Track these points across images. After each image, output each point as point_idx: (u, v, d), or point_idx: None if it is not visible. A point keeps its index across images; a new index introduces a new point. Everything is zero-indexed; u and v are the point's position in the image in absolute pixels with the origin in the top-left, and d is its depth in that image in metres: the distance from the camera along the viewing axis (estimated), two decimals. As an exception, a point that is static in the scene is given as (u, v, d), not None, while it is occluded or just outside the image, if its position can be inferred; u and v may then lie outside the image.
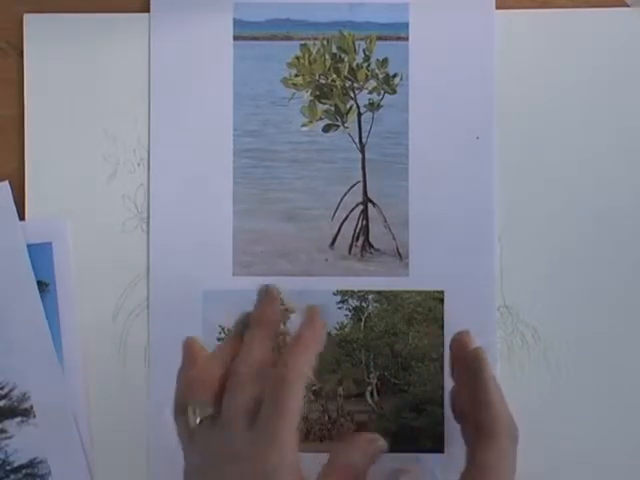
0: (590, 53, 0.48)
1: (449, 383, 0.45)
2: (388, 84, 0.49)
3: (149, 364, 0.48)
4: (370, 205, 0.48)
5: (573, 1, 0.49)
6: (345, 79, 0.49)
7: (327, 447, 0.46)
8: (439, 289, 0.48)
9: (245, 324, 0.41)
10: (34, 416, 0.47)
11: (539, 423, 0.47)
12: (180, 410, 0.38)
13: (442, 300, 0.48)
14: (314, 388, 0.48)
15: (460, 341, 0.43)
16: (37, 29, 0.49)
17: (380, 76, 0.49)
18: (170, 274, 0.48)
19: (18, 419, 0.47)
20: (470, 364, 0.41)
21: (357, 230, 0.48)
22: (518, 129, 0.48)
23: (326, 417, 0.48)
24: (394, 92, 0.49)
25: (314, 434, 0.48)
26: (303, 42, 0.49)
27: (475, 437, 0.40)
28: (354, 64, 0.49)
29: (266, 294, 0.41)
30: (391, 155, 0.48)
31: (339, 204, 0.48)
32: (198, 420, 0.38)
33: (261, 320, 0.40)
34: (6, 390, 0.47)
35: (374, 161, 0.48)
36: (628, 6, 0.48)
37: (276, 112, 0.49)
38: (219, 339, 0.48)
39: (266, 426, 0.36)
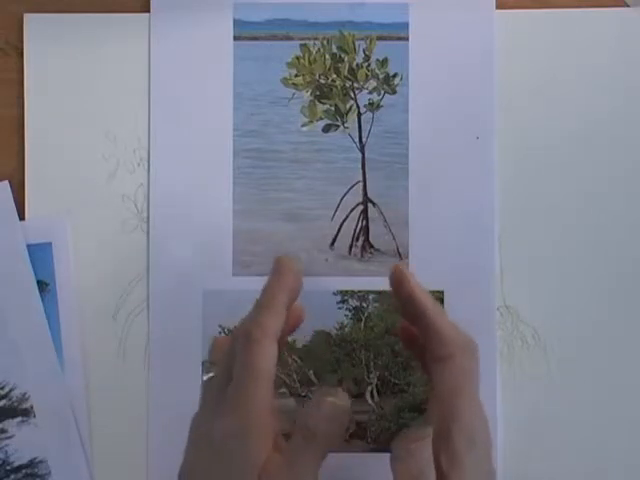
0: (590, 53, 0.48)
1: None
2: (388, 84, 0.49)
3: (149, 364, 0.48)
4: (370, 205, 0.48)
5: (573, 1, 0.49)
6: (345, 79, 0.49)
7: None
8: (439, 289, 0.48)
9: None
10: (34, 416, 0.47)
11: (539, 423, 0.47)
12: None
13: (442, 300, 0.48)
14: (314, 388, 0.48)
15: (396, 275, 0.40)
16: (37, 29, 0.49)
17: (380, 76, 0.49)
18: (170, 274, 0.48)
19: (18, 419, 0.47)
20: (405, 297, 0.39)
21: (357, 230, 0.48)
22: (518, 129, 0.48)
23: (326, 417, 0.48)
24: (394, 92, 0.49)
25: (314, 434, 0.48)
26: (303, 42, 0.49)
27: (430, 366, 0.38)
28: (354, 64, 0.49)
29: (278, 265, 0.39)
30: (391, 155, 0.48)
31: (339, 204, 0.49)
32: (206, 377, 0.39)
33: (266, 290, 0.39)
34: (6, 390, 0.47)
35: (374, 161, 0.48)
36: (628, 6, 0.48)
37: (276, 112, 0.49)
38: (219, 339, 0.48)
39: (236, 385, 0.36)
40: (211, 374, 0.39)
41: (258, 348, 0.36)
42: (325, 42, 0.49)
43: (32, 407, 0.47)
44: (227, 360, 0.37)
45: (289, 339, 0.48)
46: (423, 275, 0.48)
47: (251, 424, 0.35)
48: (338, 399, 0.36)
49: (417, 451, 0.35)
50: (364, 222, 0.48)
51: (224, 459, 0.35)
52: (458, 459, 0.35)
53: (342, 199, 0.48)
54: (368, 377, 0.48)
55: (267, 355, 0.36)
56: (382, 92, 0.49)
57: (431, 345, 0.38)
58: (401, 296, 0.39)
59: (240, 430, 0.35)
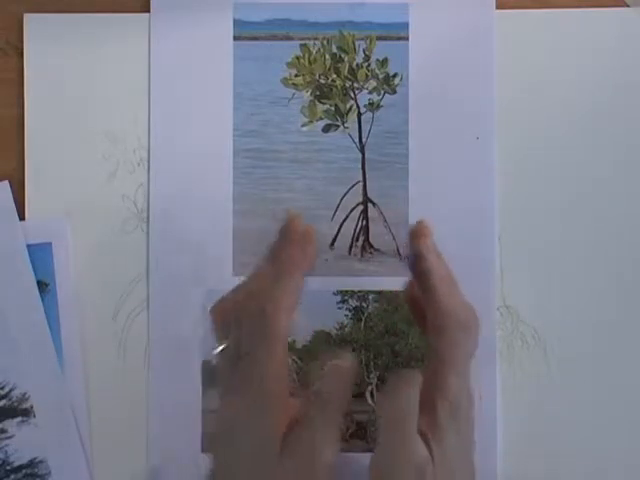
0: (590, 53, 0.48)
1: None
2: (388, 84, 0.49)
3: (149, 364, 0.48)
4: (370, 205, 0.48)
5: (573, 1, 0.49)
6: (345, 79, 0.49)
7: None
8: (439, 289, 0.48)
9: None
10: (34, 416, 0.47)
11: (539, 423, 0.47)
12: None
13: (442, 300, 0.47)
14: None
15: (416, 229, 0.39)
16: (37, 29, 0.49)
17: (380, 76, 0.49)
18: (170, 274, 0.48)
19: (18, 419, 0.47)
20: (416, 253, 0.38)
21: (357, 230, 0.48)
22: (518, 129, 0.48)
23: (326, 417, 0.48)
24: (394, 92, 0.49)
25: (314, 434, 0.48)
26: (303, 42, 0.49)
27: (427, 332, 0.38)
28: (354, 64, 0.49)
29: (302, 234, 0.39)
30: (391, 155, 0.48)
31: (339, 204, 0.48)
32: (215, 352, 0.38)
33: (274, 255, 0.39)
34: (6, 390, 0.47)
35: (374, 161, 0.48)
36: (628, 6, 0.48)
37: (276, 112, 0.49)
38: (219, 339, 0.48)
39: (251, 360, 0.36)
40: (220, 348, 0.38)
41: (272, 323, 0.36)
42: (325, 42, 0.49)
43: (32, 407, 0.47)
44: (237, 334, 0.37)
45: (289, 339, 0.48)
46: (423, 275, 0.48)
47: (268, 399, 0.35)
48: (341, 360, 0.36)
49: (405, 393, 0.35)
50: (364, 222, 0.48)
51: (247, 434, 0.35)
52: (440, 431, 0.35)
53: (342, 199, 0.48)
54: (368, 377, 0.48)
55: (281, 329, 0.36)
56: (382, 92, 0.49)
57: (430, 312, 0.38)
58: (413, 251, 0.39)
59: (258, 406, 0.35)
